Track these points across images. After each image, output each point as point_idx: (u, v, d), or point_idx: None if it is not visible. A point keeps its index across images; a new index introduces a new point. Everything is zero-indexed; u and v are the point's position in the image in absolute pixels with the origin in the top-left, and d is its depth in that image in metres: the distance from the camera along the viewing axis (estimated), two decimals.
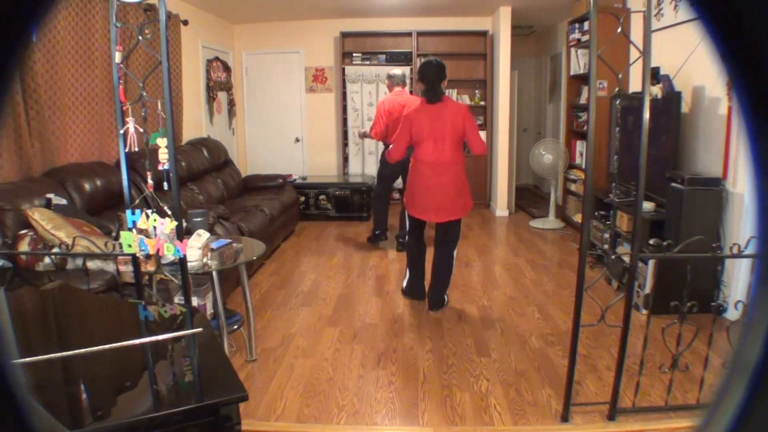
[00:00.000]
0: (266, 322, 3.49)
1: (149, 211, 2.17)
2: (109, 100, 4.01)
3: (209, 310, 2.89)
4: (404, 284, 3.94)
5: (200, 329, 1.70)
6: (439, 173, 3.41)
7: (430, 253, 3.77)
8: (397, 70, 5.02)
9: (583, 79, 5.80)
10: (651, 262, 3.37)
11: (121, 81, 2.17)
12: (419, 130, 3.41)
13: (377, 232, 5.27)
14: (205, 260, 2.65)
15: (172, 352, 1.64)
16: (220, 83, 6.63)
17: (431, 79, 3.41)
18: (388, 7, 6.44)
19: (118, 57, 2.15)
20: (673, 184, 3.51)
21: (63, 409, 1.30)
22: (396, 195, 6.26)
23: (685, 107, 3.89)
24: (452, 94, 6.96)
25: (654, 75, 3.92)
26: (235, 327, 2.95)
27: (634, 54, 2.37)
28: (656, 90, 3.87)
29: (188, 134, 5.55)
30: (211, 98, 6.36)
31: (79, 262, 2.61)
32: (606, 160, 4.59)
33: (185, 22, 5.19)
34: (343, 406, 2.52)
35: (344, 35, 7.01)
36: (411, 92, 6.83)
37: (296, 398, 2.59)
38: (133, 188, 2.83)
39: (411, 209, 3.58)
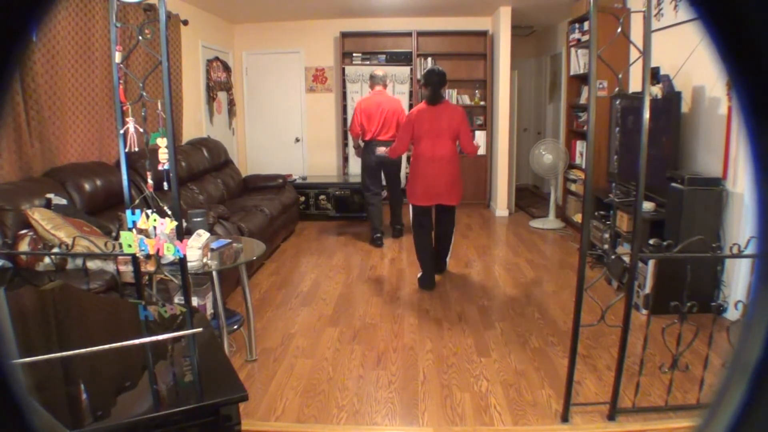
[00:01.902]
0: (266, 322, 3.49)
1: (149, 211, 2.17)
2: (109, 100, 4.01)
3: (209, 310, 2.89)
4: (419, 275, 4.21)
5: (200, 329, 1.70)
6: (440, 165, 3.88)
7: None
8: (379, 71, 5.29)
9: (583, 79, 5.80)
10: (651, 262, 3.37)
11: (121, 81, 2.17)
12: (420, 129, 3.88)
13: (377, 235, 5.30)
14: (205, 260, 2.65)
15: (172, 352, 1.64)
16: (220, 83, 6.63)
17: (434, 85, 3.91)
18: (388, 7, 6.44)
19: (118, 57, 2.15)
20: (673, 184, 3.51)
21: (63, 409, 1.30)
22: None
23: (685, 107, 3.88)
24: (452, 94, 6.96)
25: (654, 75, 3.92)
26: (235, 327, 2.95)
27: (634, 54, 2.37)
28: (656, 90, 3.87)
29: (188, 134, 5.55)
30: (211, 98, 6.36)
31: (79, 262, 2.61)
32: (606, 160, 4.59)
33: (185, 22, 5.19)
34: (343, 406, 2.52)
35: (344, 35, 7.01)
36: (410, 92, 6.87)
37: (296, 398, 2.59)
38: (133, 188, 2.83)
39: (414, 198, 4.01)
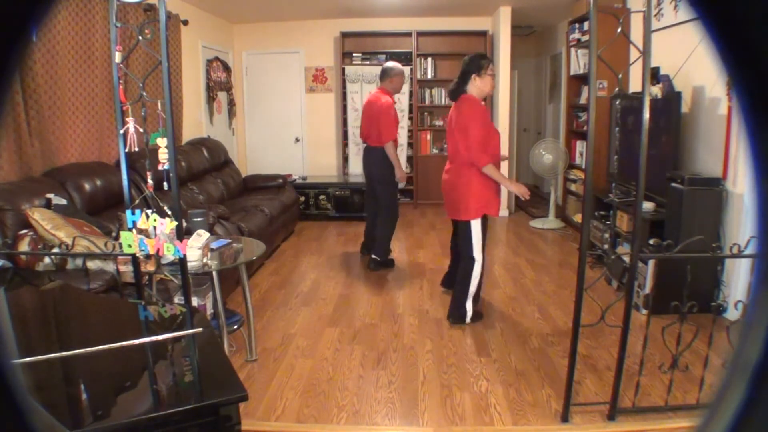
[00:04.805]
0: (266, 322, 3.49)
1: (149, 211, 2.17)
2: (109, 100, 4.01)
3: (209, 310, 2.89)
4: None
5: (200, 329, 1.70)
6: (447, 175, 3.39)
7: None
8: (388, 65, 4.52)
9: (583, 79, 5.80)
10: (651, 262, 3.37)
11: (121, 81, 2.17)
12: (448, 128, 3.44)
13: (391, 258, 4.66)
14: (205, 260, 2.65)
15: (172, 352, 1.64)
16: (220, 83, 6.63)
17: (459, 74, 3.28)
18: (388, 7, 6.44)
19: (118, 57, 2.15)
20: (673, 184, 3.51)
21: (63, 409, 1.30)
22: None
23: (685, 107, 3.89)
24: None
25: (654, 75, 3.92)
26: (235, 327, 2.95)
27: (634, 54, 2.37)
28: (656, 90, 3.87)
29: (188, 134, 5.55)
30: (211, 98, 6.36)
31: (79, 262, 2.61)
32: (606, 160, 4.59)
33: (185, 22, 5.19)
34: (343, 406, 2.52)
35: (344, 35, 7.01)
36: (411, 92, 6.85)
37: (296, 398, 2.59)
38: (133, 188, 2.83)
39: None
